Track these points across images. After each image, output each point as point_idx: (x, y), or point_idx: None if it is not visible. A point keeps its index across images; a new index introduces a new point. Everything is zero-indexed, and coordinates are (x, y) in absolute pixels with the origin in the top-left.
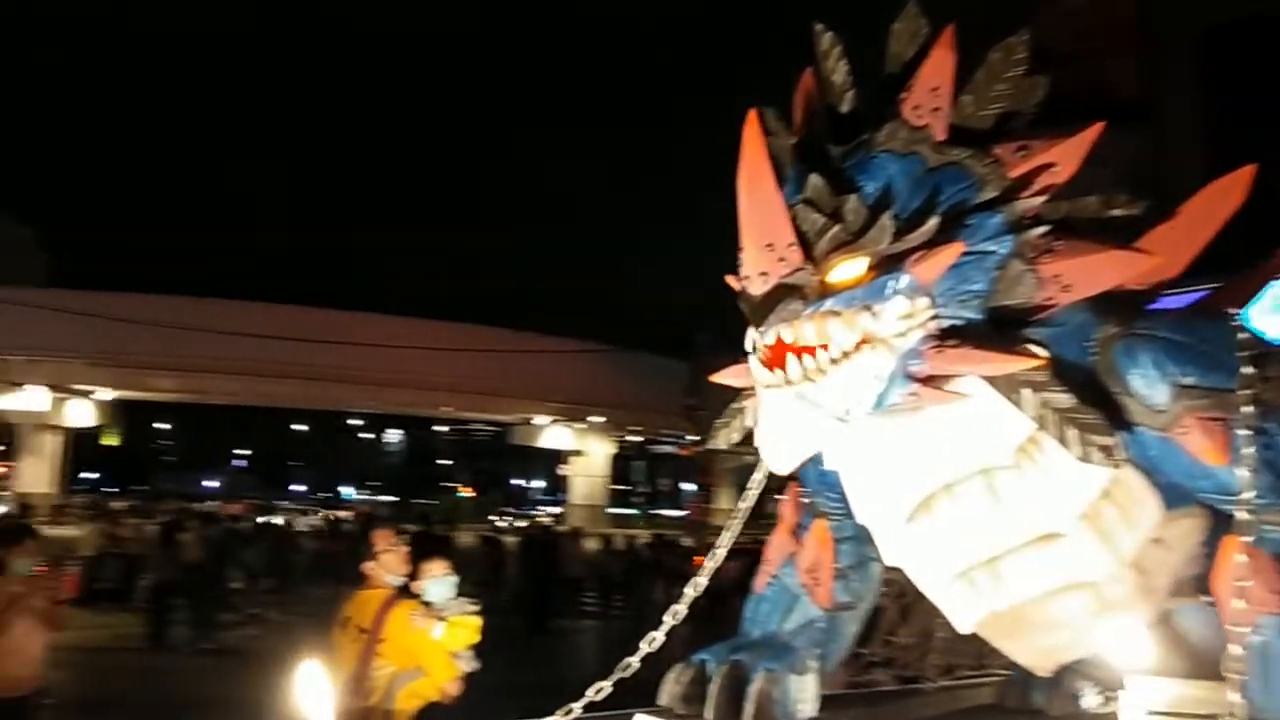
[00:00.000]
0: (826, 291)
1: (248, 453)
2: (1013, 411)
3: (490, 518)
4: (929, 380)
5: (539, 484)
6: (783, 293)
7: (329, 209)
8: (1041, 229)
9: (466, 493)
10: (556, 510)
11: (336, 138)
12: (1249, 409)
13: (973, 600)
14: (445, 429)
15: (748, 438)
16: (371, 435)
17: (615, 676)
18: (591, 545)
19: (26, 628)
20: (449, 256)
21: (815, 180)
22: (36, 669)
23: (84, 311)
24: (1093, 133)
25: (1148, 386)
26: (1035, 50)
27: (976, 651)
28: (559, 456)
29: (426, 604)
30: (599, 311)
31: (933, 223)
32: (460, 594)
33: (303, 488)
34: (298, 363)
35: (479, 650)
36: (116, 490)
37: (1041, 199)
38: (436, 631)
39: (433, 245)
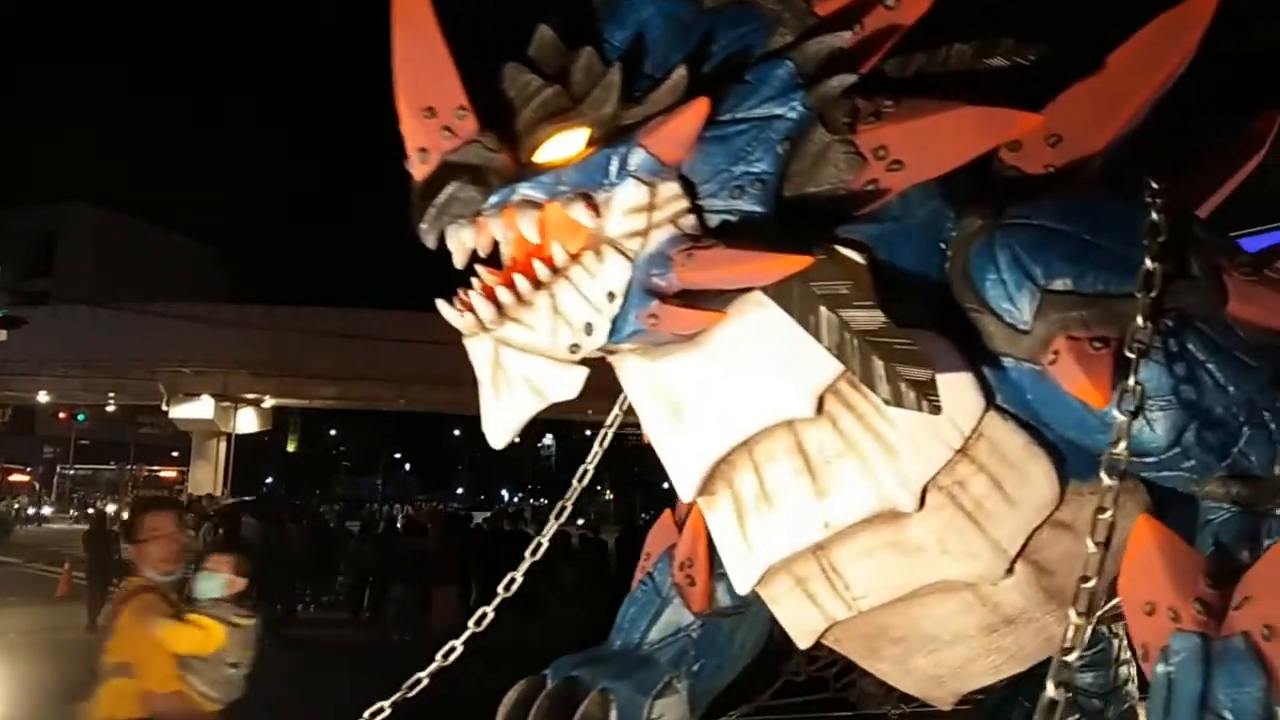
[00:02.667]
0: (523, 175)
1: (408, 457)
2: (811, 342)
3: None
4: (677, 297)
5: None
6: (451, 177)
7: None
8: (844, 79)
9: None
10: None
11: None
12: (1142, 322)
13: (803, 605)
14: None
15: None
16: (528, 440)
17: (399, 696)
18: None
19: None
20: None
21: (543, 32)
22: None
23: (247, 324)
24: None
25: (1005, 297)
26: None
27: None
28: None
29: (193, 601)
30: None
31: (678, 76)
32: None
33: (464, 491)
34: (451, 369)
35: None
36: (288, 493)
37: (845, 36)
38: (161, 628)
39: None
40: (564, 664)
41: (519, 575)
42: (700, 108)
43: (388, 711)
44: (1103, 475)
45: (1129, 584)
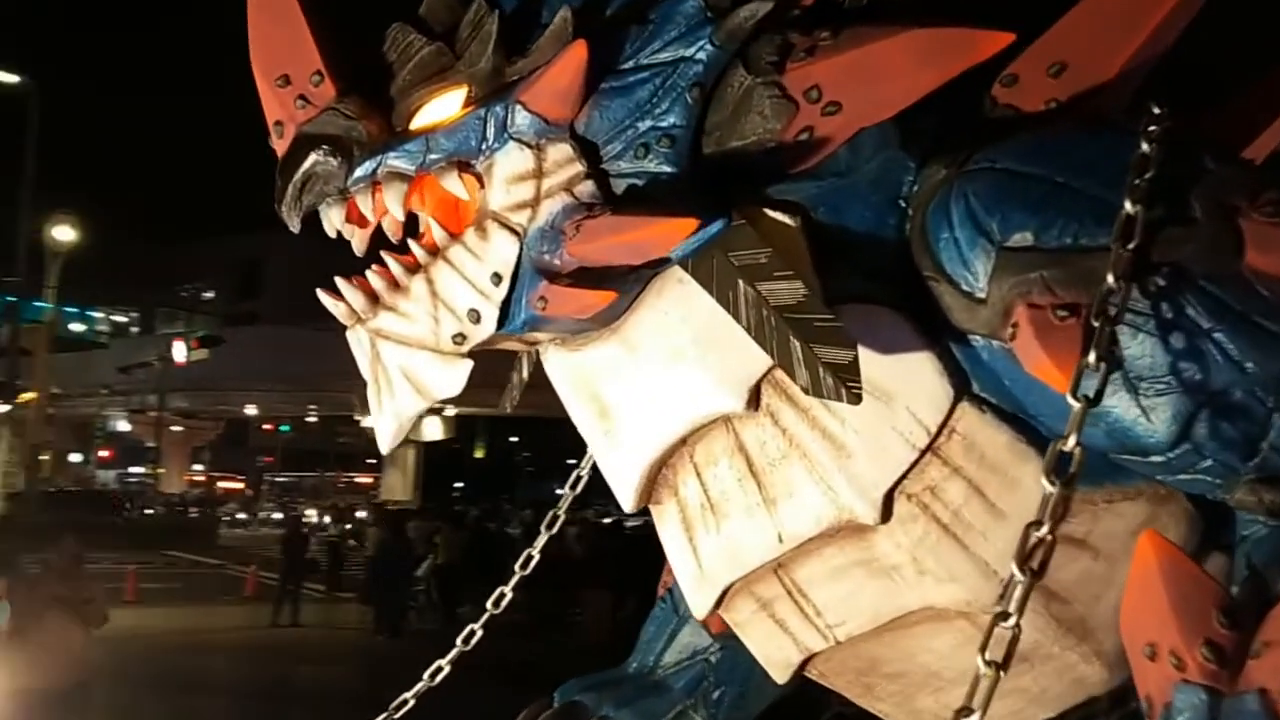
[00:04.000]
0: (391, 144)
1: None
2: (736, 325)
3: None
4: (572, 276)
5: None
6: (308, 150)
7: None
8: (756, 7)
9: None
10: None
11: None
12: (1114, 282)
13: (773, 632)
14: None
15: None
16: None
17: (384, 717)
18: None
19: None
20: None
21: None
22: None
23: None
24: None
25: (959, 259)
26: None
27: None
28: None
29: None
30: None
31: (560, 19)
32: None
33: None
34: None
35: None
36: (475, 498)
37: None
38: None
39: None
40: (572, 686)
41: (508, 590)
42: (577, 52)
43: None
44: (1042, 481)
45: (1129, 619)
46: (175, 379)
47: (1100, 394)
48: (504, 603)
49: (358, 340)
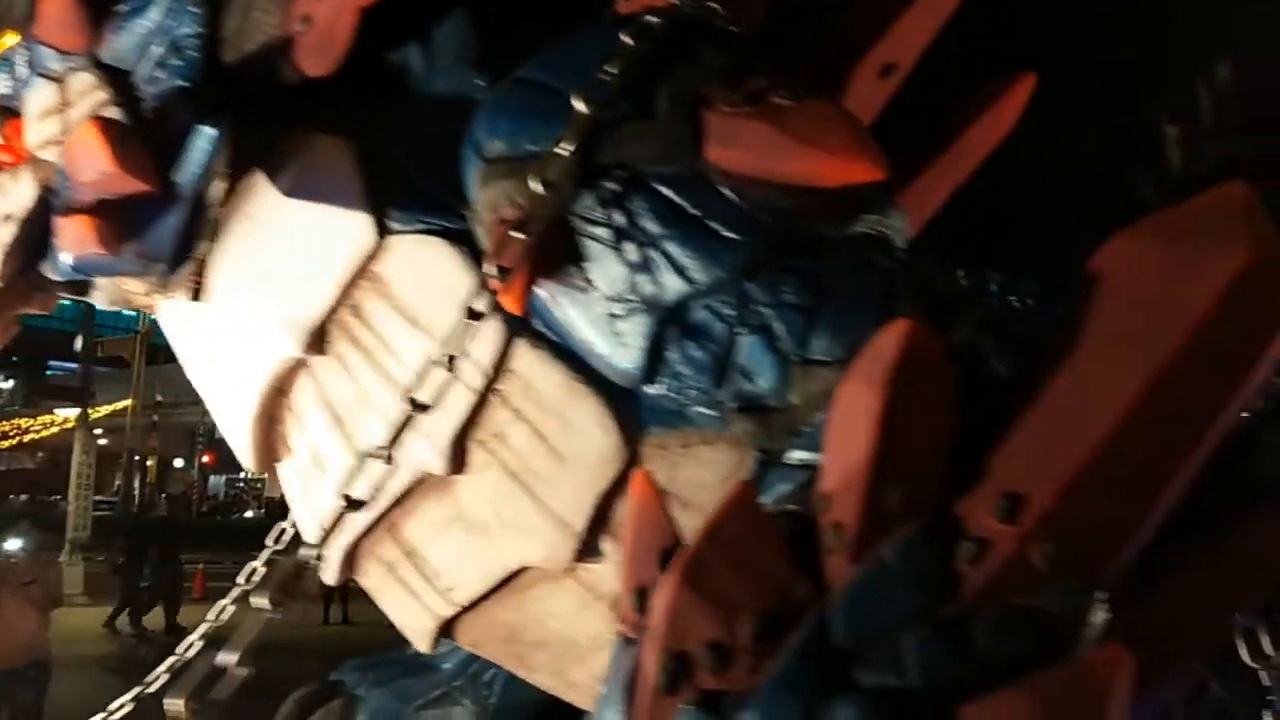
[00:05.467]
0: None
1: None
2: (285, 254)
3: None
4: (84, 210)
5: None
6: None
7: None
8: None
9: None
10: None
11: None
12: (540, 188)
13: (404, 597)
14: None
15: None
16: None
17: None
18: None
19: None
20: None
21: None
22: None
23: None
24: None
25: (467, 178)
26: None
27: None
28: None
29: None
30: None
31: None
32: None
33: None
34: None
35: None
36: None
37: None
38: None
39: None
40: (347, 666)
41: (260, 565)
42: None
43: None
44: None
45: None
46: None
47: (481, 313)
48: (254, 578)
49: None
